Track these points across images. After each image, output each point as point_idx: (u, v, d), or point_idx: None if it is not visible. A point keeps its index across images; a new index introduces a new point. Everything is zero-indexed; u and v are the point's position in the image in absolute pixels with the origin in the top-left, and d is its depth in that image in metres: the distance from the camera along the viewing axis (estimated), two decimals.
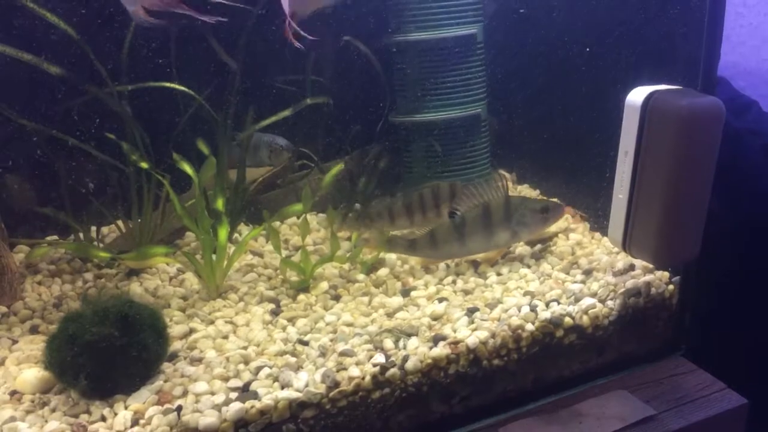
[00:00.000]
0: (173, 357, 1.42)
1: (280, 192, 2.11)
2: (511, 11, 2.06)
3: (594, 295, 1.58)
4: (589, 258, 1.75)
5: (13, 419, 1.24)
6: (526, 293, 1.60)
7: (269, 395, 1.27)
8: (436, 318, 1.53)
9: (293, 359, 1.38)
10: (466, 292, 1.66)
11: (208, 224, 1.70)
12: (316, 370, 1.34)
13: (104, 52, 1.72)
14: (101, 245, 1.88)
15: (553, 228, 1.86)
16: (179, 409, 1.25)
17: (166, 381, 1.33)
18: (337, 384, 1.31)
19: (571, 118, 1.99)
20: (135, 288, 1.72)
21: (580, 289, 1.59)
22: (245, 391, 1.29)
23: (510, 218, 1.73)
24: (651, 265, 1.64)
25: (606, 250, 1.78)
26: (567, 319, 1.51)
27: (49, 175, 1.79)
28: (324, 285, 1.72)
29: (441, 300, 1.60)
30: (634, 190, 1.42)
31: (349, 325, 1.52)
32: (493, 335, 1.44)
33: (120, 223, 1.88)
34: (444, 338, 1.43)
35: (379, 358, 1.37)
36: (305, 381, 1.31)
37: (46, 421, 1.24)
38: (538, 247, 1.85)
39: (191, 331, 1.53)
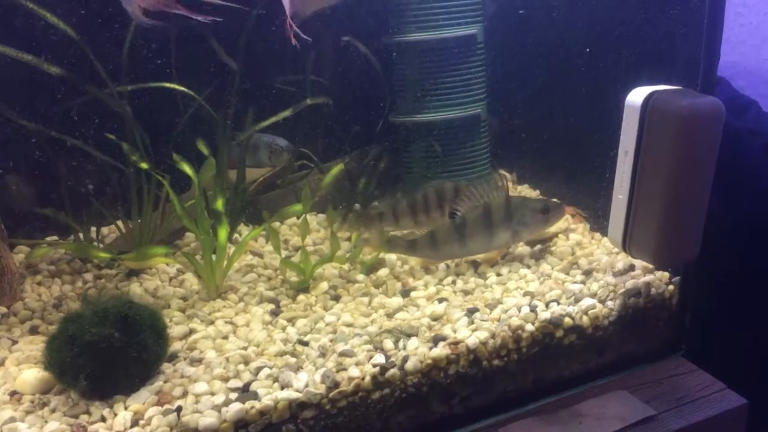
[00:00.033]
0: (173, 357, 1.42)
1: (280, 192, 2.11)
2: (511, 11, 2.06)
3: (594, 295, 1.57)
4: (589, 258, 1.75)
5: (12, 420, 1.24)
6: (526, 293, 1.60)
7: (269, 396, 1.27)
8: (435, 318, 1.53)
9: (293, 360, 1.38)
10: (466, 293, 1.66)
11: (208, 225, 1.70)
12: (316, 371, 1.34)
13: (104, 53, 1.72)
14: (101, 246, 1.88)
15: (552, 228, 1.86)
16: (179, 409, 1.25)
17: (165, 381, 1.33)
18: (336, 384, 1.31)
19: (571, 119, 1.99)
20: (135, 288, 1.72)
21: (580, 289, 1.59)
22: (245, 392, 1.29)
23: (510, 218, 1.73)
24: (651, 266, 1.64)
25: (606, 251, 1.78)
26: (567, 320, 1.50)
27: (49, 176, 1.79)
28: (324, 285, 1.72)
29: (441, 300, 1.60)
30: (634, 191, 1.42)
31: (349, 325, 1.52)
32: (493, 335, 1.44)
33: (120, 223, 1.88)
34: (444, 339, 1.42)
35: (379, 358, 1.37)
36: (305, 381, 1.31)
37: (46, 422, 1.24)
38: (538, 247, 1.85)
39: (191, 331, 1.53)
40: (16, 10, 1.61)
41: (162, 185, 1.74)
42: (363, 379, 1.33)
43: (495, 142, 2.17)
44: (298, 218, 2.03)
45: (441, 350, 1.40)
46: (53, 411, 1.28)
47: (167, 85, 1.80)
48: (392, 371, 1.35)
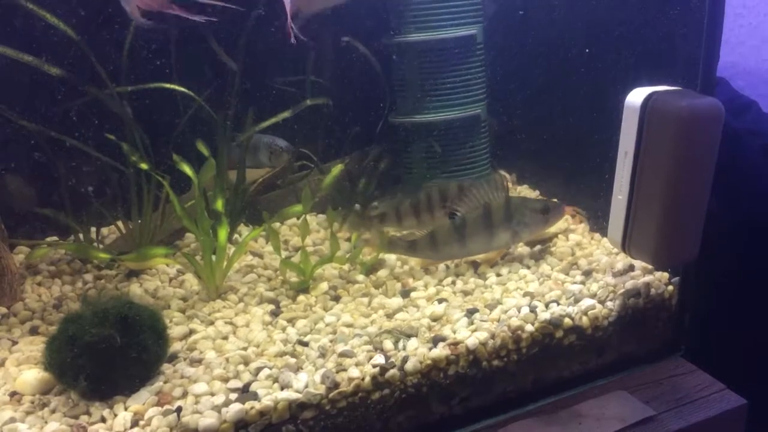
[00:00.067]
0: (173, 358, 1.42)
1: (280, 193, 2.11)
2: (511, 12, 2.06)
3: (593, 295, 1.58)
4: (588, 259, 1.75)
5: (12, 420, 1.24)
6: (525, 294, 1.60)
7: (269, 396, 1.27)
8: (435, 319, 1.53)
9: (293, 360, 1.39)
10: (466, 293, 1.66)
11: (208, 225, 1.70)
12: (316, 371, 1.34)
13: (104, 53, 1.72)
14: (101, 246, 1.88)
15: (552, 229, 1.86)
16: (179, 410, 1.25)
17: (165, 382, 1.33)
18: (336, 385, 1.31)
19: (571, 119, 1.99)
20: (135, 289, 1.72)
21: (580, 289, 1.59)
22: (245, 392, 1.29)
23: (510, 219, 1.73)
24: (650, 266, 1.64)
25: (605, 251, 1.78)
26: (566, 320, 1.51)
27: (49, 176, 1.79)
28: (324, 286, 1.72)
29: (441, 301, 1.60)
30: (633, 191, 1.42)
31: (349, 326, 1.52)
32: (493, 336, 1.44)
33: (120, 224, 1.88)
34: (443, 339, 1.43)
35: (379, 359, 1.37)
36: (305, 382, 1.31)
37: (46, 422, 1.24)
38: (538, 247, 1.85)
39: (191, 332, 1.53)
40: (16, 10, 1.61)
41: (162, 186, 1.74)
42: (363, 379, 1.33)
43: (495, 143, 2.17)
44: (298, 219, 2.03)
45: (441, 351, 1.40)
46: (53, 411, 1.28)
47: (167, 85, 1.80)
48: (392, 372, 1.35)
